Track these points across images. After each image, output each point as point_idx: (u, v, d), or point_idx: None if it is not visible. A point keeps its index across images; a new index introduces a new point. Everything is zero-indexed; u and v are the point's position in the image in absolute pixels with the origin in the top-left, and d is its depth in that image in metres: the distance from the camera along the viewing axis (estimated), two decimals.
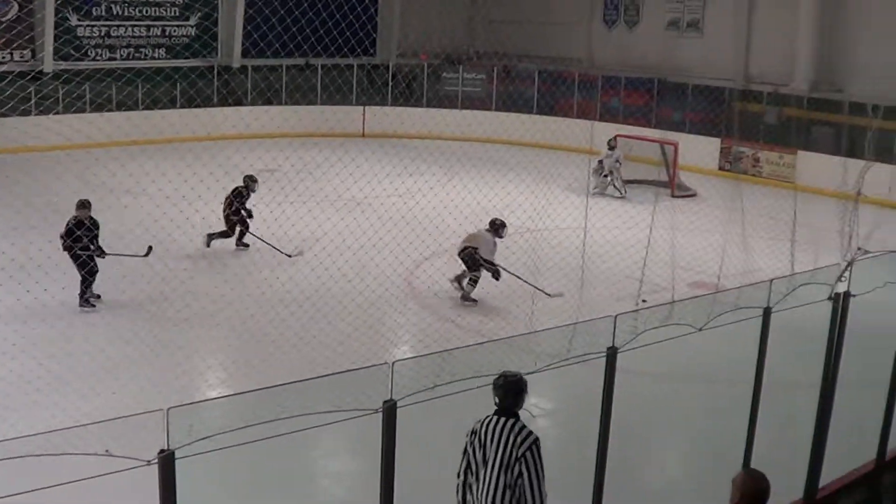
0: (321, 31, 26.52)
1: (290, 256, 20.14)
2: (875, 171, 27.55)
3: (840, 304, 9.16)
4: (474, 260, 18.57)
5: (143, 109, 34.79)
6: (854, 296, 9.24)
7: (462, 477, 8.09)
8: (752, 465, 9.02)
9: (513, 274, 18.49)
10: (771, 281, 8.60)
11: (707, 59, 38.15)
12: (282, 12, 32.37)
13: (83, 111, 31.83)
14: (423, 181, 22.60)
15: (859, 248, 9.65)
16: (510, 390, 7.69)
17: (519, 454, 7.70)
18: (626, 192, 29.66)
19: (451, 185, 23.24)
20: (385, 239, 17.80)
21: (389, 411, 6.43)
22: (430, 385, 6.44)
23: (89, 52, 35.81)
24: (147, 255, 18.05)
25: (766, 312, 8.59)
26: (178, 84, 35.66)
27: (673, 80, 38.51)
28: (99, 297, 17.57)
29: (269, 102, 38.08)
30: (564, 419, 13.91)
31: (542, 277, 18.47)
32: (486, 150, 31.19)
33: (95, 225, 17.59)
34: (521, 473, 7.72)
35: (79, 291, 17.23)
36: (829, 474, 9.98)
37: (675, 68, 39.05)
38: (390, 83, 40.73)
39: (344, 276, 16.88)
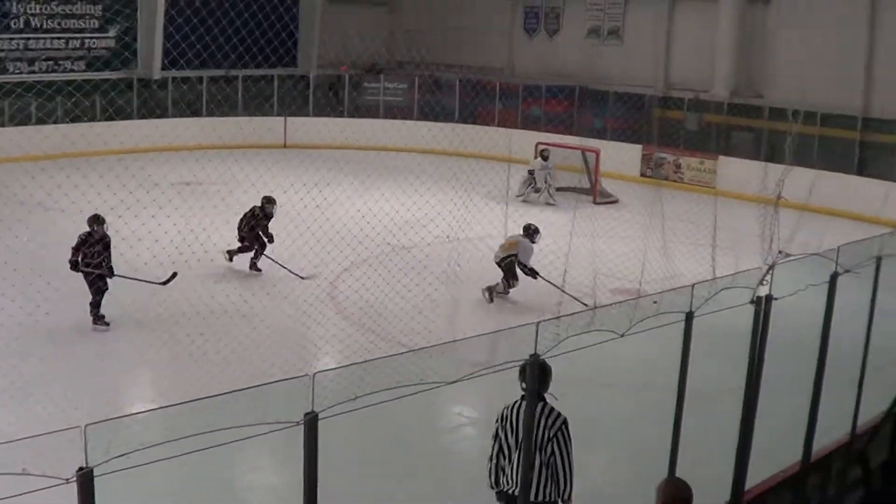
0: (242, 43, 26.30)
1: (303, 279, 19.65)
2: (795, 175, 27.92)
3: (762, 308, 9.14)
4: (512, 268, 19.18)
5: (62, 123, 34.15)
6: (776, 299, 9.23)
7: (494, 461, 8.84)
8: (678, 469, 8.98)
9: (547, 280, 18.62)
10: (693, 286, 8.57)
11: (628, 67, 38.44)
12: (202, 25, 31.99)
13: (1, 126, 31.38)
14: (342, 191, 22.49)
15: (780, 252, 9.64)
16: (533, 375, 7.94)
17: (551, 435, 8.55)
18: (556, 200, 29.75)
19: (371, 195, 23.17)
20: (303, 250, 17.65)
21: (311, 423, 6.28)
22: (352, 396, 6.32)
23: (7, 66, 35.13)
24: (167, 282, 17.64)
25: (689, 317, 8.55)
26: (98, 97, 35.12)
27: (594, 88, 38.72)
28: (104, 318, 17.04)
29: (189, 115, 37.66)
30: (489, 428, 13.81)
31: (463, 287, 18.39)
32: (407, 159, 31.15)
33: (106, 243, 16.97)
34: (553, 452, 8.57)
35: (90, 309, 16.86)
36: (755, 477, 9.96)
37: (596, 76, 39.28)
38: (311, 94, 40.51)
39: (262, 287, 16.70)
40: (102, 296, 16.87)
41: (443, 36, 36.84)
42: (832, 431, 11.38)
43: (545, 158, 30.19)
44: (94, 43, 37.40)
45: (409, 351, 7.02)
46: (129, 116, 36.40)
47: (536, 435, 8.44)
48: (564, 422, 8.64)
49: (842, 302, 10.56)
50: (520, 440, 8.32)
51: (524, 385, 8.20)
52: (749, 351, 9.33)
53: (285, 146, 38.19)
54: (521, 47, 43.69)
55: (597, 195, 30.70)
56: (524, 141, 34.17)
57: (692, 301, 8.51)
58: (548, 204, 29.23)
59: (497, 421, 8.78)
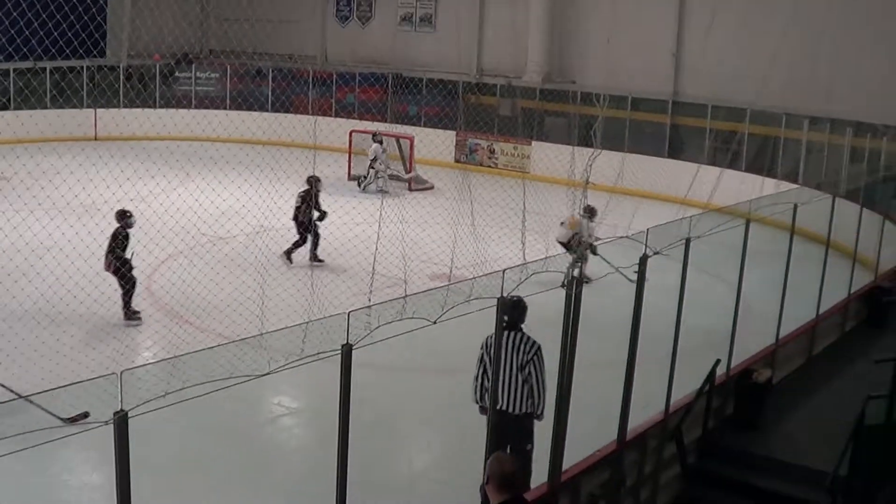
0: (47, 34, 25.53)
1: None
2: (605, 159, 28.51)
3: (573, 291, 9.30)
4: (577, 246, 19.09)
5: None
6: (587, 282, 9.40)
7: (479, 380, 10.45)
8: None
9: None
10: (504, 271, 8.67)
11: (441, 54, 38.65)
12: (6, 18, 30.94)
13: None
14: (156, 184, 22.10)
15: (590, 235, 9.86)
16: (515, 310, 9.90)
17: (528, 358, 10.15)
18: (387, 186, 29.97)
19: (185, 186, 22.81)
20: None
21: (120, 423, 6.14)
22: (161, 393, 6.22)
23: None
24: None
25: (500, 301, 8.65)
26: None
27: (408, 75, 38.82)
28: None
29: None
30: (310, 417, 13.81)
31: (279, 275, 18.27)
32: (223, 149, 30.76)
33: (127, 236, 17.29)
34: (529, 373, 10.14)
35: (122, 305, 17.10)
36: (573, 457, 10.12)
37: (410, 63, 39.45)
38: (121, 84, 39.64)
39: (77, 284, 16.28)
40: (135, 288, 17.27)
41: (255, 24, 36.45)
42: (647, 410, 11.67)
43: (380, 142, 30.21)
44: None
45: (218, 345, 6.92)
46: None
47: (516, 359, 10.13)
48: (539, 348, 10.16)
49: (654, 282, 10.81)
50: (504, 362, 10.01)
51: (506, 318, 9.39)
52: (562, 334, 9.49)
53: (96, 139, 37.27)
54: (334, 35, 43.54)
55: (412, 182, 30.83)
56: (341, 129, 34.15)
57: (503, 285, 8.61)
58: (380, 191, 29.24)
59: (482, 347, 10.33)
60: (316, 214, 20.86)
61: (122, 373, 6.06)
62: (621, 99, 32.76)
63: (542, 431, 9.92)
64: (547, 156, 32.06)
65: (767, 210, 14.47)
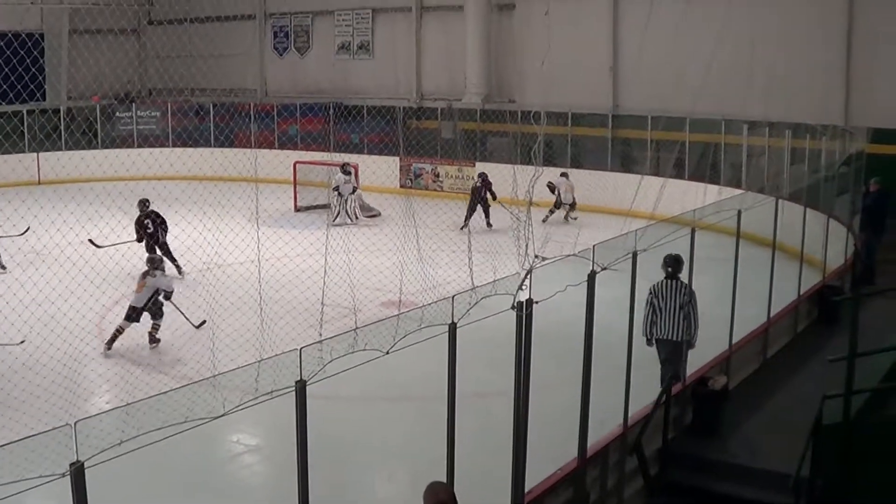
0: None
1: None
2: (549, 176, 28.68)
3: (524, 312, 9.32)
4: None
5: None
6: (537, 302, 9.43)
7: (650, 318, 13.54)
8: (457, 477, 9.06)
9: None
10: (453, 297, 8.68)
11: (380, 80, 38.81)
12: None
13: None
14: (105, 224, 21.92)
15: (537, 257, 9.88)
16: (677, 264, 13.54)
17: (685, 300, 13.49)
18: (359, 217, 30.10)
19: (131, 228, 22.72)
20: (71, 287, 17.17)
21: (77, 474, 6.11)
22: (117, 441, 6.19)
23: None
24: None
25: (452, 328, 8.65)
26: None
27: (348, 104, 38.87)
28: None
29: None
30: (270, 453, 13.73)
31: (229, 313, 18.12)
32: (170, 186, 30.62)
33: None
34: (688, 312, 13.49)
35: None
36: (536, 477, 10.15)
37: (350, 91, 39.58)
38: (62, 127, 39.38)
39: (27, 333, 16.10)
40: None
41: (193, 61, 36.34)
42: (605, 424, 11.73)
43: (347, 173, 30.12)
44: None
45: (171, 390, 6.90)
46: None
47: (678, 300, 13.46)
48: (692, 292, 13.62)
49: (605, 296, 10.88)
50: (667, 303, 13.46)
51: (669, 270, 13.51)
52: (515, 354, 9.51)
53: (39, 183, 37.04)
54: (273, 67, 43.57)
55: (358, 209, 30.78)
56: (288, 160, 34.10)
57: (453, 312, 8.63)
58: (347, 224, 29.29)
59: (650, 293, 13.53)
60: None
61: (76, 423, 6.03)
62: (561, 115, 32.93)
63: (503, 454, 9.90)
64: (491, 176, 32.15)
65: (712, 217, 14.64)
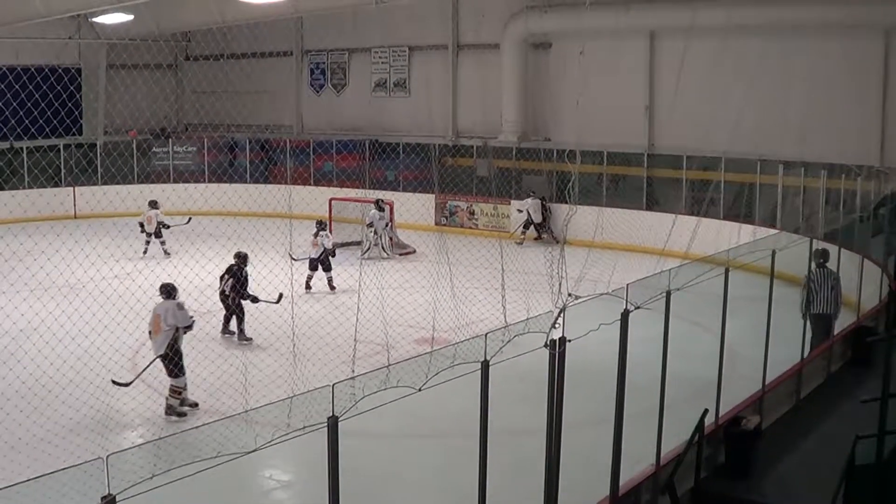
0: (27, 114, 25.62)
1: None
2: (582, 214, 28.66)
3: (556, 351, 9.32)
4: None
5: None
6: (570, 341, 9.43)
7: (805, 298, 17.16)
8: None
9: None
10: (486, 335, 8.69)
11: (416, 117, 38.83)
12: None
13: None
14: (140, 259, 22.06)
15: (570, 295, 9.88)
16: (825, 255, 17.63)
17: (834, 283, 17.50)
18: (391, 253, 30.30)
19: (169, 261, 22.85)
20: (105, 321, 17.25)
21: None
22: (148, 476, 6.23)
23: None
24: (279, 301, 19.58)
25: (485, 365, 8.66)
26: None
27: (384, 141, 39.02)
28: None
29: None
30: (301, 489, 13.74)
31: (262, 349, 18.15)
32: (205, 222, 30.79)
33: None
34: (837, 290, 17.58)
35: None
36: None
37: (386, 128, 39.68)
38: (99, 162, 39.67)
39: (65, 363, 16.19)
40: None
41: (230, 97, 36.59)
42: (638, 463, 11.68)
43: (381, 209, 30.28)
44: None
45: (202, 424, 6.94)
46: None
47: (829, 282, 17.43)
48: (838, 276, 17.68)
49: (639, 335, 10.87)
50: (822, 284, 17.32)
51: (821, 260, 17.51)
52: (547, 392, 9.51)
53: (76, 217, 37.32)
54: (310, 104, 43.73)
55: (395, 247, 30.86)
56: (322, 198, 34.25)
57: (486, 349, 8.64)
58: (382, 258, 29.35)
59: (806, 276, 17.28)
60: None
61: (108, 457, 6.07)
62: (596, 154, 32.96)
63: (535, 491, 9.87)
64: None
65: (747, 257, 14.58)
